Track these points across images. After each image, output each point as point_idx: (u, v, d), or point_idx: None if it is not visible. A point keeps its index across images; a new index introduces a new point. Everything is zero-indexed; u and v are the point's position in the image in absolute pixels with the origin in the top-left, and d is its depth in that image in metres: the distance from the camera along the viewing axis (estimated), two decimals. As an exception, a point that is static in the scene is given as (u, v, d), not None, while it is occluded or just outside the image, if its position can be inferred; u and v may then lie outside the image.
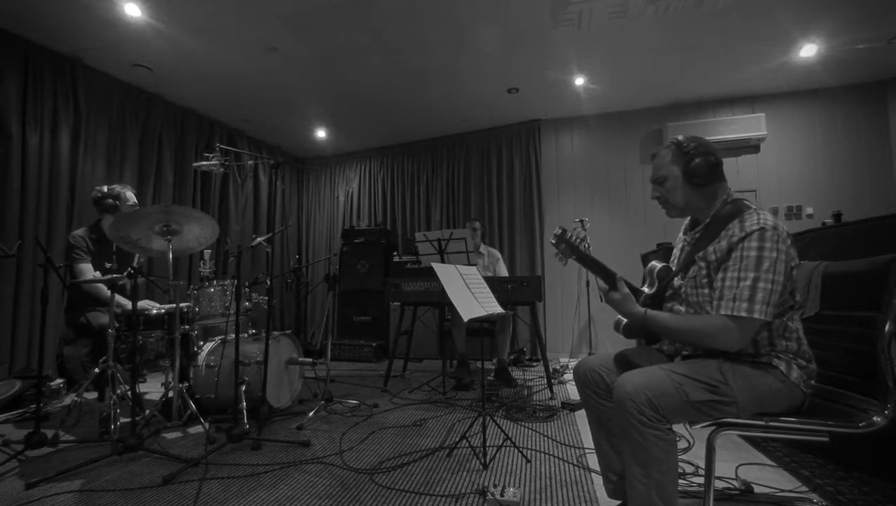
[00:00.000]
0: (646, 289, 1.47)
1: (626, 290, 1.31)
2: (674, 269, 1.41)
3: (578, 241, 1.37)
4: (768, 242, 1.14)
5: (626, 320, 1.46)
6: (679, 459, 1.87)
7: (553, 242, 1.37)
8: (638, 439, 1.10)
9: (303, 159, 6.37)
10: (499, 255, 3.95)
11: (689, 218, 1.44)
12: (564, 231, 1.35)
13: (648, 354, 1.44)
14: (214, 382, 2.50)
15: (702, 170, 1.28)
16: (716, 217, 1.29)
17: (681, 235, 1.48)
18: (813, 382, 1.22)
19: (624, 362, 1.40)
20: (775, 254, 1.14)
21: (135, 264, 2.23)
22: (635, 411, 1.10)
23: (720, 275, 1.21)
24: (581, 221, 4.38)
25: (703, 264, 1.28)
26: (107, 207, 2.73)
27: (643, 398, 1.10)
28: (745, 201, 1.28)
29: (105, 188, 2.78)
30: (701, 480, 1.69)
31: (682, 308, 1.36)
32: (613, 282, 1.33)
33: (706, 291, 1.27)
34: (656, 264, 1.45)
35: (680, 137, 1.35)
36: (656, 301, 1.40)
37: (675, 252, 1.50)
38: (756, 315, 1.12)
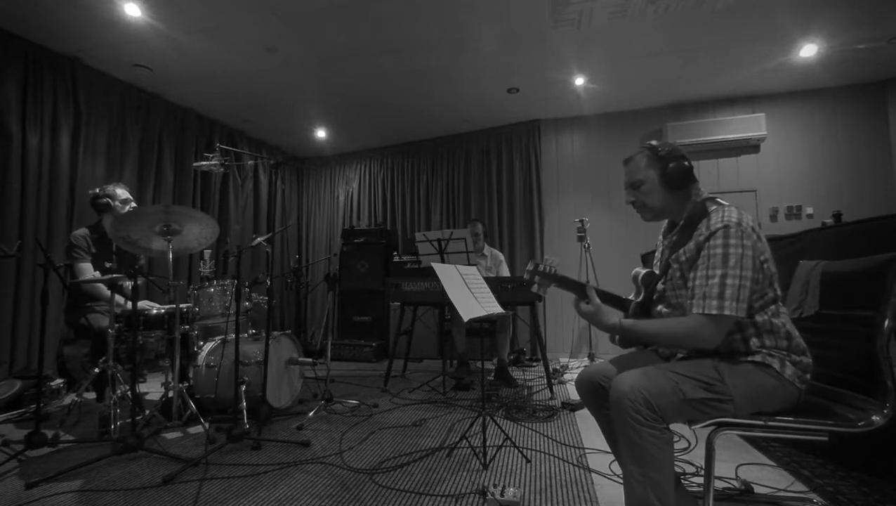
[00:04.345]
0: (632, 298, 1.46)
1: (598, 300, 1.31)
2: (657, 272, 1.42)
3: (553, 269, 1.37)
4: (732, 239, 1.16)
5: None
6: (679, 459, 1.88)
7: (526, 277, 1.38)
8: (634, 438, 1.10)
9: (303, 159, 6.37)
10: (502, 257, 3.94)
11: (666, 221, 1.45)
12: (536, 265, 1.37)
13: (647, 357, 1.44)
14: (214, 382, 2.50)
15: (677, 173, 1.31)
16: (689, 218, 1.31)
17: (660, 238, 1.49)
18: (808, 376, 1.22)
19: (622, 365, 1.39)
20: (741, 250, 1.15)
21: (136, 266, 2.23)
22: (632, 410, 1.10)
23: (691, 274, 1.23)
24: (581, 221, 4.42)
25: (675, 266, 1.30)
26: (101, 207, 2.74)
27: (640, 397, 1.10)
28: (717, 199, 1.29)
29: (98, 189, 2.80)
30: (701, 480, 1.69)
31: (668, 310, 1.36)
32: (583, 291, 1.32)
33: (683, 291, 1.29)
34: (640, 271, 1.46)
35: (653, 143, 1.37)
36: (644, 308, 1.40)
37: (657, 255, 1.51)
38: (727, 311, 1.13)
